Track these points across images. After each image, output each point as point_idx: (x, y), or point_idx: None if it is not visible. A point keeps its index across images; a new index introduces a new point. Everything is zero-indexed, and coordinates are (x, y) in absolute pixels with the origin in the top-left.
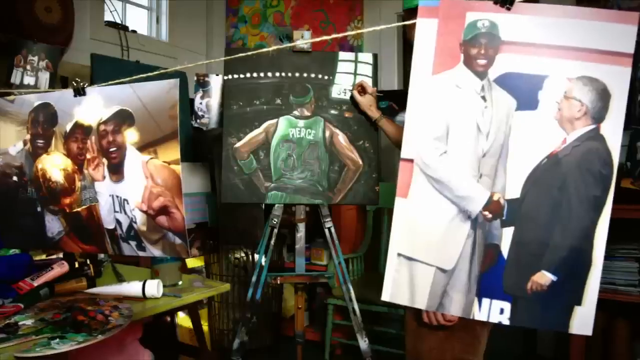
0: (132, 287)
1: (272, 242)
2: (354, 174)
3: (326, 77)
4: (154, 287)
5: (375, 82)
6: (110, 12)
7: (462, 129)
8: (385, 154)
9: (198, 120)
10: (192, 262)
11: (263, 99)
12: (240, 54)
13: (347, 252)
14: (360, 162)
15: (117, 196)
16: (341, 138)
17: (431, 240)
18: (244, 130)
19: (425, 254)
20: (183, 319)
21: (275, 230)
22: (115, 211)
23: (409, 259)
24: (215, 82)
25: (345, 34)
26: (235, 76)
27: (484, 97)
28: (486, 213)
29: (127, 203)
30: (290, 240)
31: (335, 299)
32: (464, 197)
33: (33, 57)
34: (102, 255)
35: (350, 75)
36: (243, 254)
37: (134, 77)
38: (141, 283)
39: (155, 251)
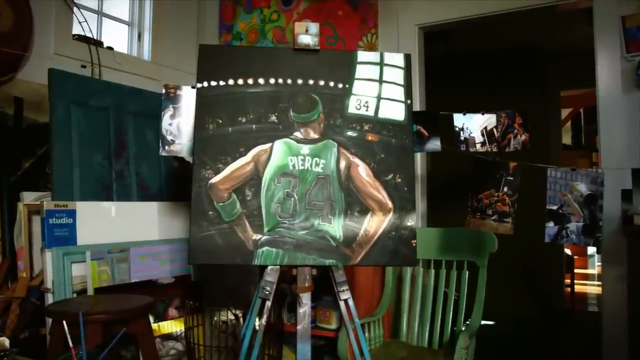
0: None
1: (264, 319)
2: (381, 221)
3: (340, 85)
4: None
5: (409, 92)
6: (80, 23)
7: None
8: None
9: (167, 147)
10: (170, 326)
11: (252, 115)
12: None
13: (362, 315)
14: (390, 205)
15: None
16: (362, 170)
17: None
18: (224, 160)
19: None
20: None
21: (268, 303)
22: None
23: None
24: (189, 96)
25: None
26: (213, 83)
27: None
28: None
29: None
30: (290, 298)
31: None
32: None
33: None
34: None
35: (374, 82)
36: (232, 317)
37: None
38: None
39: None
